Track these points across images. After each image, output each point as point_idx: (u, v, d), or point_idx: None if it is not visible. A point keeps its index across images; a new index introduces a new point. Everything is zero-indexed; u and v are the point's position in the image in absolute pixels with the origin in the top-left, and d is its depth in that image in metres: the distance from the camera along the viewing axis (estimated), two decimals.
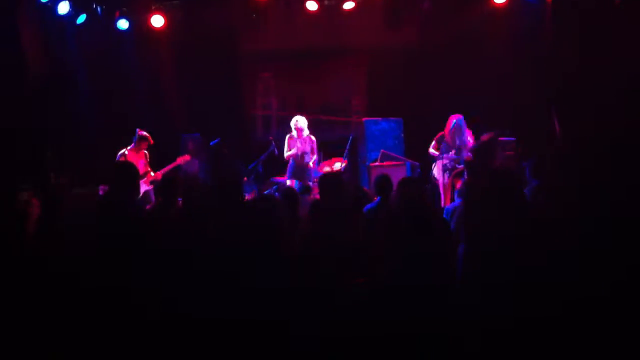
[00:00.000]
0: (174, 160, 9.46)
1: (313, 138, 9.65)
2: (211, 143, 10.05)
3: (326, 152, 10.69)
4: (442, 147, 8.99)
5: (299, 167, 9.51)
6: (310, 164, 9.56)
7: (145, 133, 9.00)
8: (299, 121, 9.50)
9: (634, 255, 3.43)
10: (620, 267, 3.39)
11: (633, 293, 3.28)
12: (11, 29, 8.76)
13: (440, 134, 9.07)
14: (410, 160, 10.50)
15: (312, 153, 9.60)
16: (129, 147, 8.99)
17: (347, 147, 10.36)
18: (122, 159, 8.84)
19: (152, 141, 9.03)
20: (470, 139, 8.99)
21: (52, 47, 9.63)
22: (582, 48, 8.81)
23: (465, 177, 8.77)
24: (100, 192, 7.91)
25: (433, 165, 9.14)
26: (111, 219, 4.04)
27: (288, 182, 9.45)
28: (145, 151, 9.10)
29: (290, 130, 9.70)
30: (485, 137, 8.97)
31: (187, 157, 9.32)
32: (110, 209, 4.20)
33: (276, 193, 7.81)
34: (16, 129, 8.43)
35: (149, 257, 3.67)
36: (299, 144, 9.48)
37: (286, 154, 9.56)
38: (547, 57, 9.38)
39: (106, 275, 3.62)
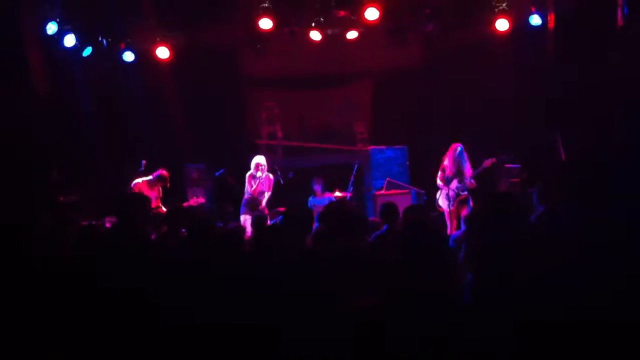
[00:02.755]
0: (184, 195, 9.56)
1: (271, 177, 9.68)
2: (216, 173, 10.07)
3: (331, 180, 10.68)
4: (445, 177, 8.99)
5: (252, 204, 9.49)
6: (263, 203, 9.56)
7: (165, 174, 9.13)
8: (261, 162, 9.55)
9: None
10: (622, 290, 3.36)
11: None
12: (18, 55, 8.85)
13: (443, 164, 9.08)
14: (416, 188, 10.49)
15: (268, 190, 9.60)
16: (144, 178, 9.05)
17: (353, 176, 10.35)
18: (135, 189, 8.88)
19: (169, 184, 9.17)
20: (469, 167, 8.98)
21: (58, 76, 9.71)
22: (584, 73, 8.85)
23: (471, 204, 8.77)
24: (107, 225, 7.91)
25: (438, 194, 9.14)
26: (119, 255, 3.99)
27: (242, 218, 9.43)
28: (160, 187, 9.18)
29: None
30: (487, 162, 8.96)
31: (201, 200, 9.36)
32: (119, 244, 4.17)
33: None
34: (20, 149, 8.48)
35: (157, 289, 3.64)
36: (258, 184, 9.47)
37: (249, 190, 9.56)
38: (550, 80, 9.42)
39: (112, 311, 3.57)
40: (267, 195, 9.60)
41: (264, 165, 9.56)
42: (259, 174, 9.48)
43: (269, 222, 9.42)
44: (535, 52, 9.81)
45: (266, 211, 9.50)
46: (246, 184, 9.57)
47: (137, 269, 3.73)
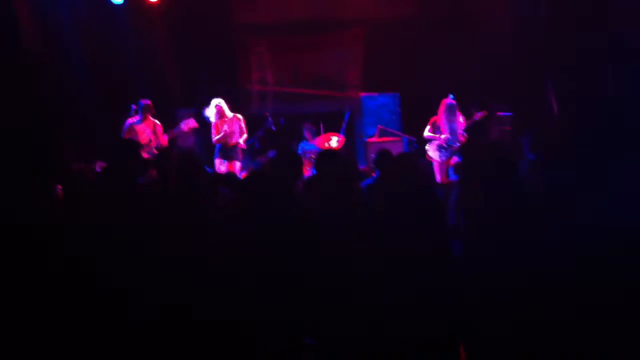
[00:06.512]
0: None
1: (240, 117, 9.24)
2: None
3: (323, 126, 10.65)
4: (436, 131, 8.95)
5: (227, 148, 9.16)
6: (241, 141, 9.19)
7: (149, 102, 8.95)
8: (221, 104, 9.12)
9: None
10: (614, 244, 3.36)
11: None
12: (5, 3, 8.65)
13: (434, 118, 9.02)
14: (407, 136, 10.48)
15: (242, 132, 9.20)
16: (136, 120, 8.98)
17: (345, 123, 10.31)
18: (130, 133, 8.84)
19: (153, 110, 8.99)
20: (462, 120, 8.97)
21: (47, 21, 9.52)
22: (579, 23, 8.75)
23: (462, 156, 8.77)
24: (98, 169, 7.86)
25: (427, 145, 9.11)
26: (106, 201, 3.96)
27: (217, 162, 9.18)
28: (156, 121, 9.07)
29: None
30: (478, 115, 8.96)
31: (194, 125, 9.09)
32: (106, 190, 4.17)
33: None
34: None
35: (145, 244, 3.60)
36: (226, 127, 9.05)
37: (215, 138, 9.13)
38: (545, 31, 9.32)
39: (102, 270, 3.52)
40: (244, 136, 9.21)
41: (223, 105, 9.10)
42: (227, 113, 9.10)
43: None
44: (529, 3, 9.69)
45: (240, 154, 9.23)
46: (212, 132, 9.13)
47: (122, 216, 3.71)
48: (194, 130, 9.19)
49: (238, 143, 9.16)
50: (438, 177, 8.87)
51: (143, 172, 6.36)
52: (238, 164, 9.19)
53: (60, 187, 5.14)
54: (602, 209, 3.40)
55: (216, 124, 9.12)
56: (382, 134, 10.64)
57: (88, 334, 3.31)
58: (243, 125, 9.23)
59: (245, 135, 9.26)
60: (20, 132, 8.03)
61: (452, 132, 8.86)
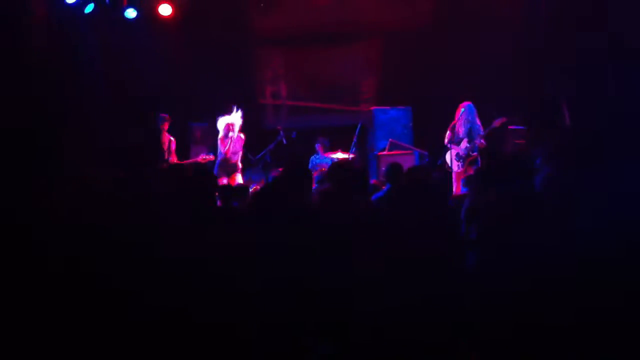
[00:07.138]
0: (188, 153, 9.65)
1: (242, 136, 9.57)
2: None
3: (334, 140, 10.65)
4: (454, 137, 8.95)
5: (228, 165, 9.46)
6: (239, 162, 9.57)
7: (164, 115, 9.45)
8: (232, 122, 9.43)
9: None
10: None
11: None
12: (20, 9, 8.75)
13: (453, 123, 9.03)
14: (419, 149, 10.47)
15: (240, 150, 9.61)
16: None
17: (355, 136, 10.32)
18: None
19: (169, 123, 9.48)
20: (480, 126, 8.95)
21: (61, 34, 9.60)
22: (579, 23, 8.72)
23: (479, 164, 8.74)
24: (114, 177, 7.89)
25: (447, 154, 9.10)
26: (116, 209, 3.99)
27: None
28: (171, 137, 9.29)
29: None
30: (497, 122, 8.92)
31: (211, 158, 9.35)
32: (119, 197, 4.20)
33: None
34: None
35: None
36: (231, 145, 9.41)
37: (222, 151, 9.47)
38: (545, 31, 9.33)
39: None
40: (240, 154, 9.58)
41: (234, 125, 9.43)
42: (230, 134, 9.39)
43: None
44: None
45: (239, 168, 9.53)
46: (219, 145, 9.48)
47: (135, 221, 3.74)
48: (209, 162, 9.40)
49: (236, 162, 9.49)
50: (455, 188, 8.83)
51: (159, 181, 6.39)
52: (239, 176, 9.49)
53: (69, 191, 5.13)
54: (603, 211, 3.38)
55: (221, 138, 9.42)
56: (394, 147, 10.63)
57: (99, 334, 3.32)
58: (243, 144, 9.58)
59: (240, 153, 9.57)
60: (26, 132, 8.04)
61: (470, 137, 8.84)
